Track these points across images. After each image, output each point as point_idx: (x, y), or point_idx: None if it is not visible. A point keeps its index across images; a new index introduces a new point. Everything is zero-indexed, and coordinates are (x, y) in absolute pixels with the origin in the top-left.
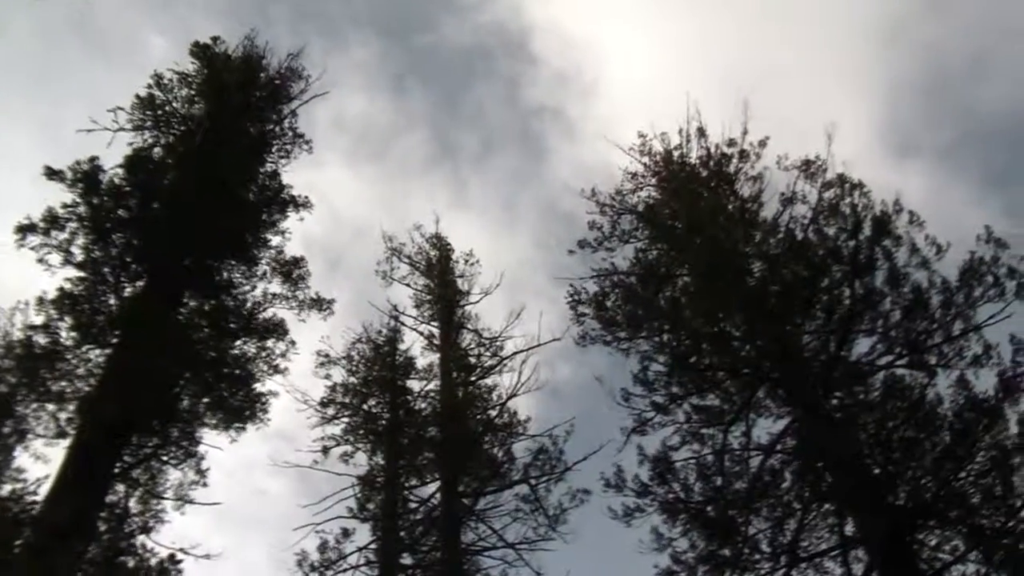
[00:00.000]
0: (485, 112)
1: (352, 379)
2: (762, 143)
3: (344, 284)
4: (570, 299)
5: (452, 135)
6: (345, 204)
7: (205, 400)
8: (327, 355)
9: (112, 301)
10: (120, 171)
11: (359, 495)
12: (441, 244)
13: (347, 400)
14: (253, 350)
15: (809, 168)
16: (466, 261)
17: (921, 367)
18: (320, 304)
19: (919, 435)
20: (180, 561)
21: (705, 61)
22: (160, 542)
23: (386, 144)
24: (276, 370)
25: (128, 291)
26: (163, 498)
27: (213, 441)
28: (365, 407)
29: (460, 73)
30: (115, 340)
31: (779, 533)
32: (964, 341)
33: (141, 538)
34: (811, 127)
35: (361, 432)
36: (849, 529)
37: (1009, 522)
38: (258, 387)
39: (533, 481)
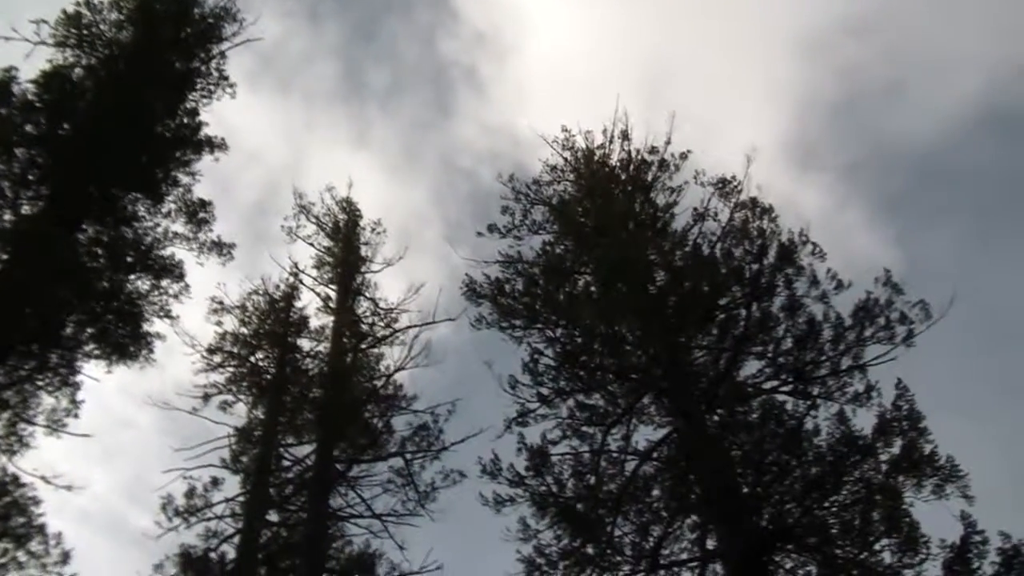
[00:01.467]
0: (399, 53)
1: (243, 330)
2: (683, 155)
3: (228, 209)
4: (466, 288)
5: (362, 71)
6: (242, 125)
7: (90, 330)
8: (221, 302)
9: (7, 217)
10: (34, 86)
11: (234, 446)
12: (350, 209)
13: (235, 350)
14: (147, 287)
15: (725, 187)
16: (373, 229)
17: (804, 396)
18: (221, 248)
19: (791, 461)
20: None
21: (624, 50)
22: (23, 468)
23: (293, 71)
24: (167, 311)
25: (26, 209)
26: (33, 423)
27: (92, 372)
28: (252, 359)
29: (379, 8)
30: (5, 257)
31: (643, 538)
32: (848, 377)
33: (3, 460)
34: (721, 124)
35: (245, 384)
36: (711, 543)
37: (862, 554)
38: (147, 326)
39: (409, 456)
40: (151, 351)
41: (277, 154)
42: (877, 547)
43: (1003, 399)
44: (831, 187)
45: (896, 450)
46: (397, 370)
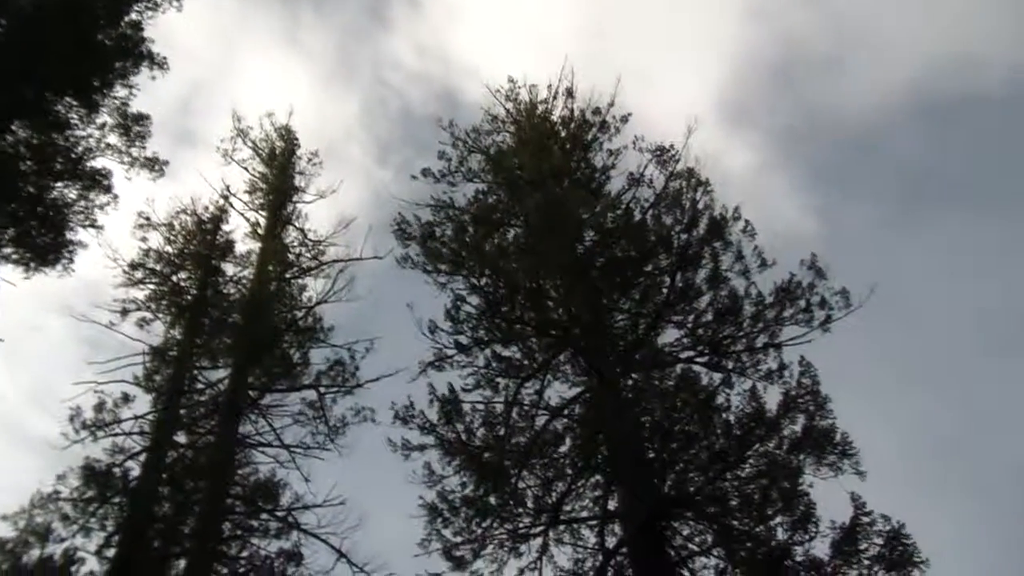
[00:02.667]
0: None
1: (168, 248)
2: (624, 119)
3: (153, 103)
4: (397, 228)
5: None
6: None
7: (11, 233)
8: (148, 218)
9: None
10: None
11: (148, 364)
12: (288, 137)
13: (158, 268)
14: (74, 196)
15: (663, 155)
16: (309, 160)
17: (718, 369)
18: (153, 164)
19: (699, 432)
20: None
21: None
22: None
23: None
24: (92, 221)
25: None
26: None
27: (8, 276)
28: (174, 279)
29: None
30: None
31: (546, 493)
32: (763, 355)
33: None
34: (661, 72)
35: (164, 303)
36: (612, 504)
37: (757, 527)
38: (70, 234)
39: (322, 389)
40: (71, 260)
41: (208, 52)
42: (773, 522)
43: (905, 382)
44: (760, 148)
45: (799, 428)
46: (319, 303)
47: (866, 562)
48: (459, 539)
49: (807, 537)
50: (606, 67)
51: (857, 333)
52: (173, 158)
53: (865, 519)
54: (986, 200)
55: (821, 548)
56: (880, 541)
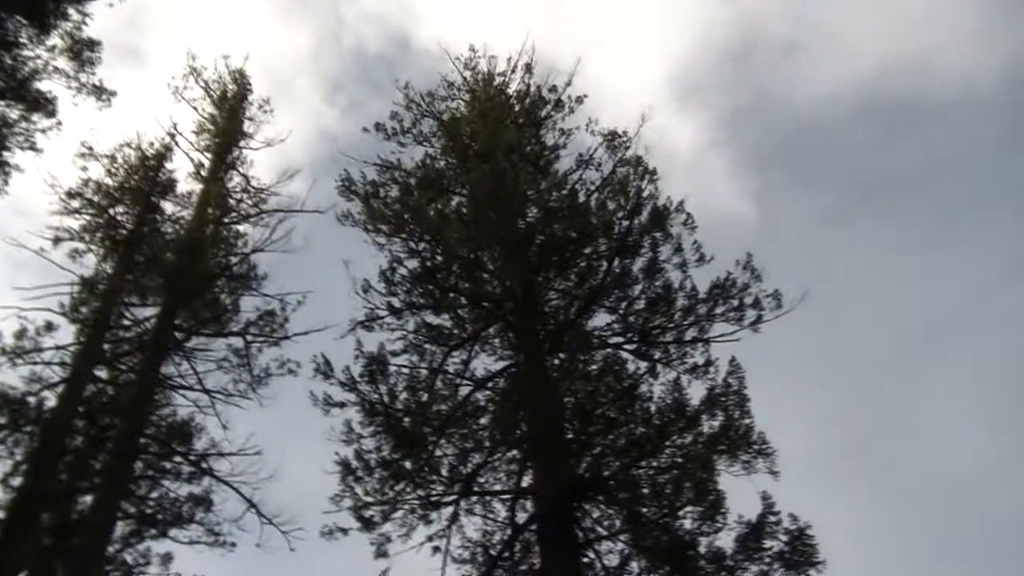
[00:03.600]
0: None
1: (108, 180)
2: (579, 99)
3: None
4: (341, 184)
5: None
6: None
7: None
8: (91, 147)
9: None
10: None
11: (75, 295)
12: (242, 82)
13: (95, 199)
14: (15, 116)
15: (614, 140)
16: (261, 107)
17: (645, 358)
18: (100, 93)
19: (620, 418)
20: None
21: None
22: None
23: None
24: (32, 144)
25: None
26: None
27: None
28: (112, 212)
29: None
30: None
31: (462, 463)
32: (691, 348)
33: None
34: (615, 46)
35: (99, 235)
36: (527, 480)
37: (665, 517)
38: (7, 155)
39: (250, 337)
40: (6, 182)
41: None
42: (682, 513)
43: (825, 380)
44: (706, 128)
45: (718, 424)
46: (255, 251)
47: (767, 559)
48: (371, 500)
49: (713, 530)
50: (567, 34)
51: (783, 328)
52: (119, 77)
53: (772, 517)
54: (925, 203)
55: (726, 541)
56: (784, 539)
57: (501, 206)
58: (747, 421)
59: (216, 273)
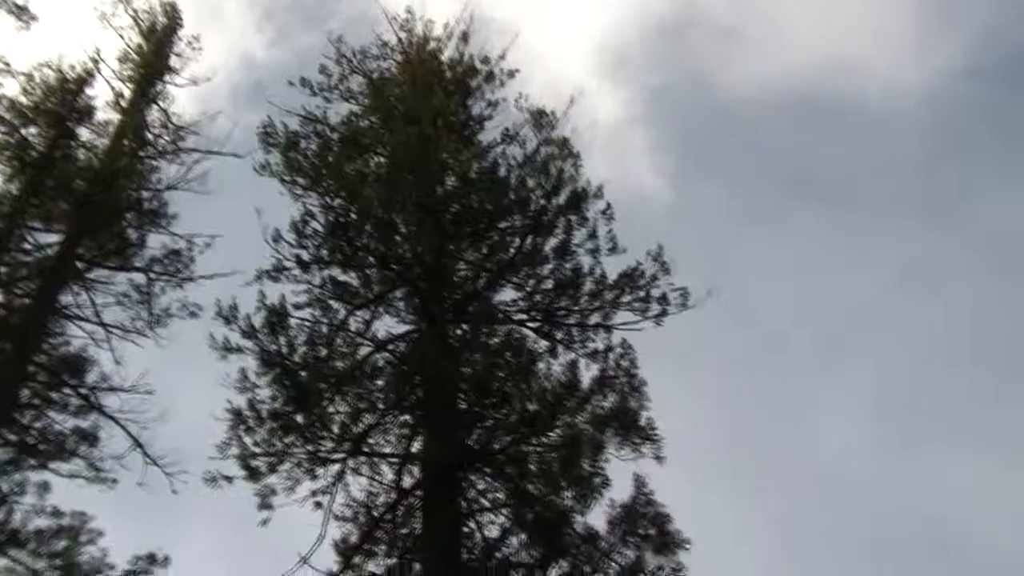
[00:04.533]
0: None
1: (23, 99)
2: (511, 73)
3: None
4: (263, 131)
5: None
6: None
7: None
8: (8, 63)
9: None
10: None
11: None
12: (173, 15)
13: (8, 116)
14: None
15: (541, 118)
16: (190, 44)
17: (547, 337)
18: (22, 13)
19: (514, 393)
20: None
21: None
22: None
23: None
24: None
25: None
26: None
27: None
28: (24, 131)
29: None
30: None
31: (354, 422)
32: (593, 333)
33: None
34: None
35: (8, 154)
36: (416, 446)
37: (549, 496)
38: None
39: (153, 275)
40: None
41: None
42: (565, 491)
43: (728, 372)
44: (629, 103)
45: (609, 407)
46: (169, 188)
47: (638, 542)
48: (258, 450)
49: (590, 509)
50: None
51: (687, 317)
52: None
53: (644, 499)
54: (842, 206)
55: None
56: (654, 523)
57: (420, 171)
58: (638, 406)
59: (126, 206)
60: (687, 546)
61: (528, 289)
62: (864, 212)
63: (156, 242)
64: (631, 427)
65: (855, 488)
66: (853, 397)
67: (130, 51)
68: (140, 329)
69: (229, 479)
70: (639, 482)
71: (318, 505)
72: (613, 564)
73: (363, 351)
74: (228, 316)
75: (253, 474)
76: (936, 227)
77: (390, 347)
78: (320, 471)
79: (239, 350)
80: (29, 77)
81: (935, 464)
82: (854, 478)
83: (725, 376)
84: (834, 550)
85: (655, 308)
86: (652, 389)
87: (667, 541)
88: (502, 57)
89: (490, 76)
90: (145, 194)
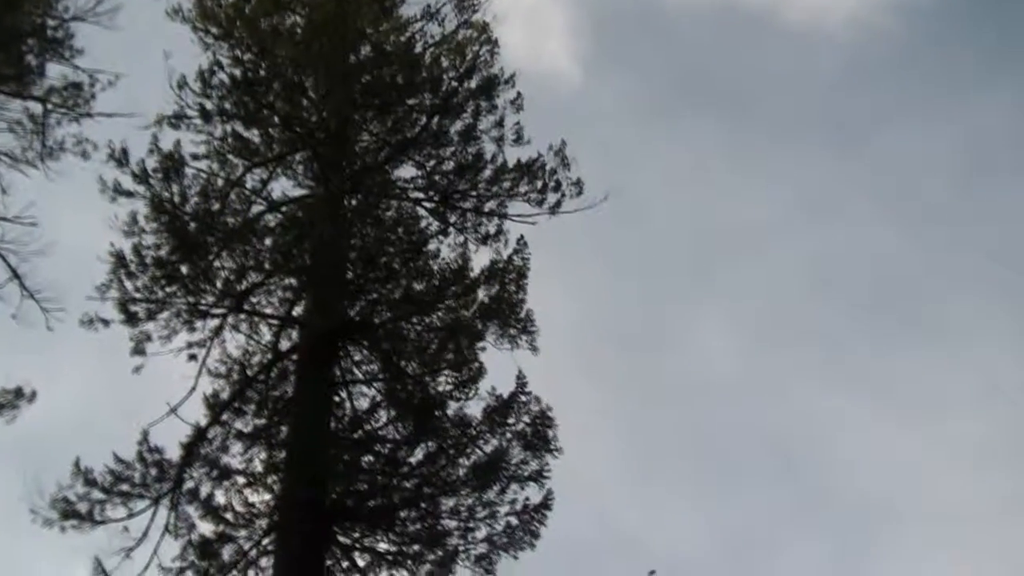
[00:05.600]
0: None
1: None
2: None
3: None
4: None
5: None
6: None
7: None
8: None
9: None
10: None
11: None
12: None
13: None
14: None
15: (464, 1)
16: None
17: (441, 219)
18: None
19: (402, 270)
20: None
21: None
22: None
23: None
24: None
25: None
26: None
27: None
28: None
29: None
30: None
31: (239, 280)
32: (487, 220)
33: None
34: None
35: None
36: (298, 310)
37: (424, 376)
38: None
39: (51, 106)
40: None
41: None
42: (440, 374)
43: (616, 275)
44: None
45: (493, 295)
46: (75, 19)
47: (509, 435)
48: (139, 296)
49: (465, 397)
50: None
51: (581, 215)
52: None
53: (523, 397)
54: (752, 120)
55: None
56: (527, 420)
57: (336, 36)
58: (521, 297)
59: (28, 31)
60: (557, 453)
61: (428, 169)
62: (767, 128)
63: (57, 72)
64: (511, 318)
65: (717, 403)
66: (731, 315)
67: None
68: (31, 160)
69: (106, 322)
70: (520, 378)
71: (192, 358)
72: (479, 451)
73: (256, 210)
74: (122, 158)
75: (131, 319)
76: (840, 156)
77: (284, 209)
78: (199, 324)
79: (130, 194)
80: None
81: (799, 393)
82: (717, 394)
83: (608, 276)
84: (685, 460)
85: (551, 199)
86: (536, 282)
87: (539, 442)
88: None
89: None
90: (51, 22)
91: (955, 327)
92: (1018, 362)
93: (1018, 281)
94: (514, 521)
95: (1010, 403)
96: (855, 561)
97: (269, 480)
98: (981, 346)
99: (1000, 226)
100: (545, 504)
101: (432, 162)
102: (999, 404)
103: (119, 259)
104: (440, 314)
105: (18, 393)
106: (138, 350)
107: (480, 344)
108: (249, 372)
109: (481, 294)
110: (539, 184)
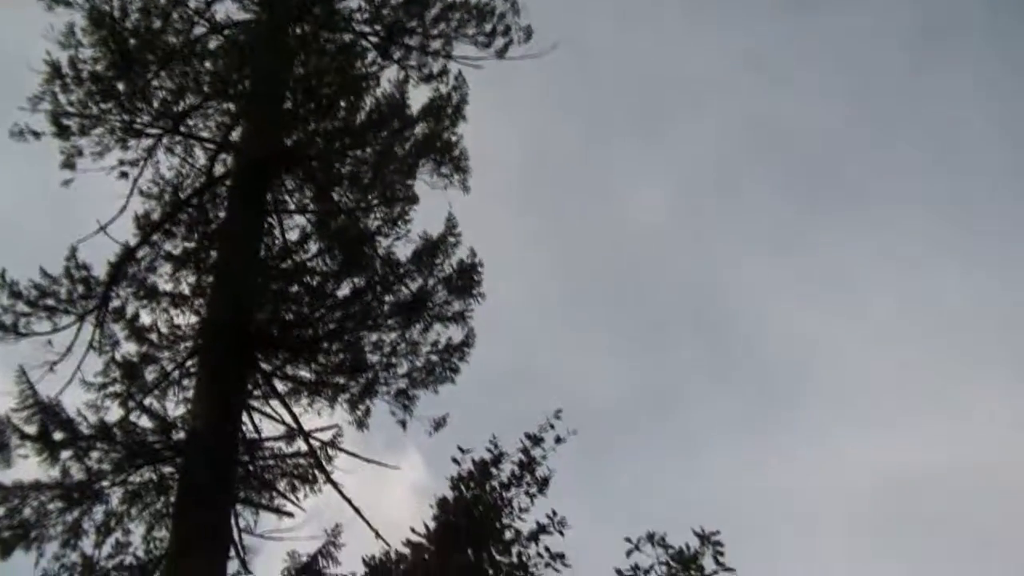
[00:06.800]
0: None
1: None
2: None
3: None
4: None
5: None
6: None
7: None
8: None
9: None
10: None
11: None
12: None
13: None
14: None
15: None
16: None
17: (385, 55)
18: None
19: (341, 99)
20: None
21: None
22: None
23: None
24: None
25: None
26: None
27: None
28: None
29: None
30: None
31: (176, 101)
32: (432, 59)
33: None
34: None
35: None
36: (234, 136)
37: (356, 210)
38: None
39: None
40: None
41: None
42: (373, 211)
43: (557, 122)
44: None
45: (430, 131)
46: None
47: (436, 278)
48: (72, 110)
49: (395, 235)
50: None
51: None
52: None
53: (452, 239)
54: None
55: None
56: (455, 264)
57: None
58: (456, 134)
59: None
60: (481, 298)
61: (375, 2)
62: None
63: None
64: (446, 155)
65: (644, 254)
66: (668, 167)
67: None
68: None
69: (37, 134)
70: (450, 220)
71: (124, 175)
72: (405, 289)
73: (198, 31)
74: None
75: (63, 132)
76: (795, 19)
77: (226, 32)
78: (133, 143)
79: (68, 4)
80: None
81: (725, 252)
82: (646, 245)
83: (551, 122)
84: (607, 307)
85: (499, 43)
86: (479, 124)
87: (464, 286)
88: None
89: None
90: None
91: (884, 202)
92: (939, 241)
93: (956, 160)
94: (435, 358)
95: (926, 278)
96: (762, 423)
97: (195, 303)
98: (904, 220)
99: (946, 106)
100: (466, 343)
101: None
102: (915, 279)
103: (54, 70)
104: (376, 148)
105: None
106: (68, 164)
107: (413, 180)
108: (182, 195)
109: (418, 130)
110: (487, 27)
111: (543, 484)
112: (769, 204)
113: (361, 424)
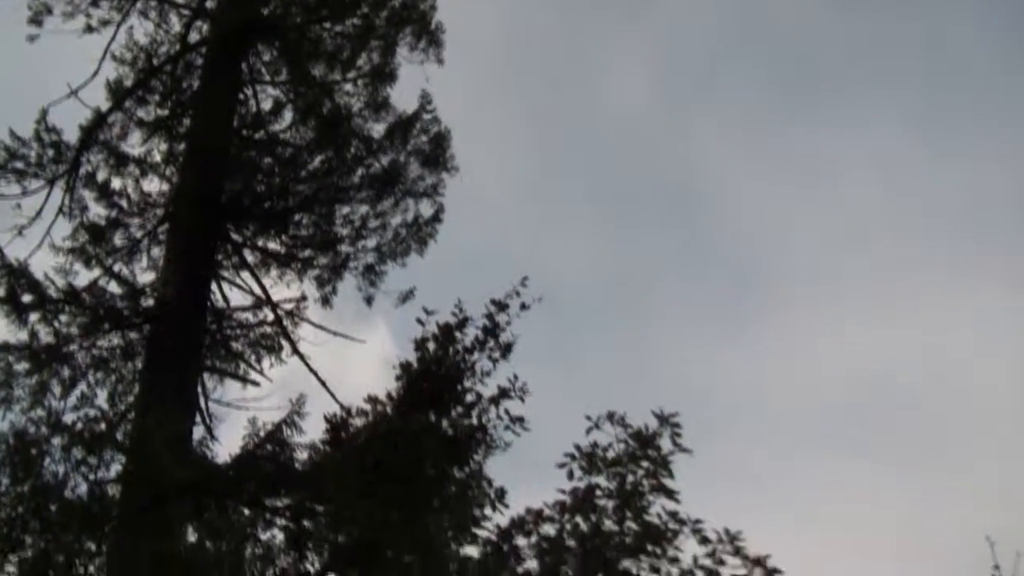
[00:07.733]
0: None
1: None
2: None
3: None
4: None
5: None
6: None
7: None
8: None
9: None
10: None
11: None
12: None
13: None
14: None
15: None
16: None
17: None
18: None
19: None
20: None
21: None
22: None
23: None
24: None
25: None
26: None
27: None
28: None
29: None
30: None
31: None
32: None
33: None
34: None
35: None
36: (210, 4)
37: (332, 84)
38: None
39: None
40: None
41: None
42: (348, 90)
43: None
44: None
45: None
46: None
47: (408, 150)
48: None
49: (375, 120)
50: None
51: None
52: None
53: (426, 115)
54: None
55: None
56: (427, 138)
57: None
58: (431, 5)
59: None
60: (453, 171)
61: None
62: None
63: None
64: (422, 27)
65: (621, 137)
66: (652, 51)
67: None
68: None
69: None
70: (424, 97)
71: (91, 29)
72: (378, 163)
73: None
74: None
75: None
76: None
77: None
78: (105, 3)
79: None
80: None
81: (703, 141)
82: (623, 128)
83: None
84: (581, 189)
85: None
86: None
87: (436, 159)
88: None
89: None
90: None
91: (864, 104)
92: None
93: (937, 68)
94: (403, 232)
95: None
96: (735, 313)
97: (167, 171)
98: (885, 113)
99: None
100: (436, 217)
101: None
102: (892, 173)
103: None
104: (356, 21)
105: None
106: (35, 20)
107: (392, 57)
108: (155, 62)
109: (395, 2)
110: None
111: (507, 349)
112: (751, 96)
113: (326, 301)
